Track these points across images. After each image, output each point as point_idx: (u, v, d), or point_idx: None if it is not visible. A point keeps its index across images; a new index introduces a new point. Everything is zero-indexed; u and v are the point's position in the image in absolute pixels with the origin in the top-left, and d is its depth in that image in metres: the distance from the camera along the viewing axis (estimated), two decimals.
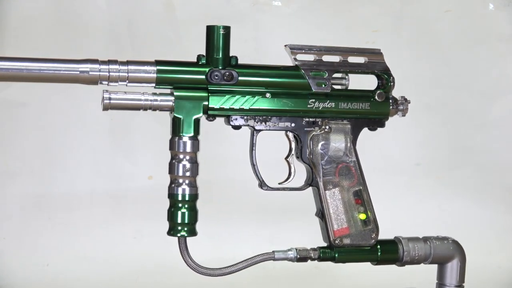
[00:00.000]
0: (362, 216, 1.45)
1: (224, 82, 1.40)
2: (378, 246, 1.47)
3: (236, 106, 1.40)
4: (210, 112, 1.40)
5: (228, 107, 1.40)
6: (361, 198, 1.45)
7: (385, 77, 1.48)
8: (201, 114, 1.38)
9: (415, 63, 2.71)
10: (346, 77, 1.47)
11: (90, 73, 1.34)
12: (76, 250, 2.65)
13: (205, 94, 1.39)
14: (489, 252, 2.64)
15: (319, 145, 1.44)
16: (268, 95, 1.41)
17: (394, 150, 2.74)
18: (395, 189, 2.72)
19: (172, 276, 2.57)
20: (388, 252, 1.47)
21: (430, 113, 2.74)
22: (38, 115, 2.71)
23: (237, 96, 1.40)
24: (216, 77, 1.39)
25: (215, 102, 1.40)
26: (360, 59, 1.46)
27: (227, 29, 1.39)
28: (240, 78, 1.40)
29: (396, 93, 2.90)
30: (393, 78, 1.48)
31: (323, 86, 1.41)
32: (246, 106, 1.41)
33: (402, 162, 2.74)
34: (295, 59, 1.42)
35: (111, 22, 2.70)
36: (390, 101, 1.49)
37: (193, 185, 1.39)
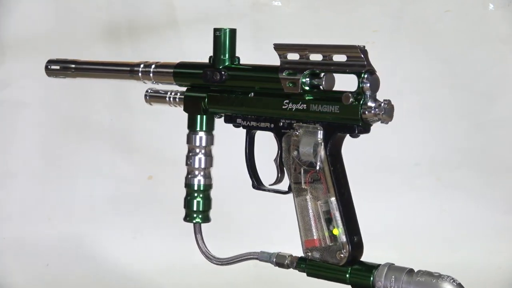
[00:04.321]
0: (334, 231, 1.32)
1: (216, 82, 1.45)
2: (349, 267, 1.32)
3: (223, 105, 1.46)
4: (210, 110, 1.48)
5: (217, 106, 1.47)
6: (330, 212, 1.33)
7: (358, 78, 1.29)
8: (202, 112, 1.48)
9: (415, 63, 2.71)
10: (322, 77, 1.33)
11: (133, 74, 1.58)
12: (76, 250, 2.65)
13: (204, 94, 1.48)
14: (489, 252, 2.64)
15: (291, 148, 1.37)
16: (251, 94, 1.42)
17: (394, 150, 2.74)
18: (395, 189, 2.72)
19: (172, 276, 2.57)
20: (358, 277, 1.31)
21: (430, 113, 2.74)
22: (38, 115, 2.72)
23: (226, 95, 1.45)
24: (205, 77, 1.46)
25: (209, 100, 1.47)
26: (341, 57, 1.31)
27: (221, 31, 1.45)
28: (229, 78, 1.44)
29: (395, 93, 2.89)
30: (368, 78, 1.27)
31: (293, 86, 1.34)
32: (231, 105, 1.45)
33: (401, 162, 2.74)
34: (280, 56, 1.38)
35: (111, 22, 2.70)
36: (363, 104, 1.27)
37: (207, 176, 1.51)
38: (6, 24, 2.66)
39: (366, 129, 1.31)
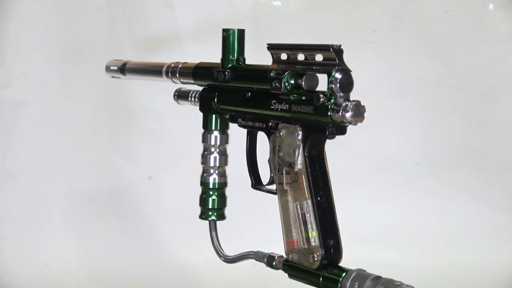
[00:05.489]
0: (309, 234, 1.30)
1: (221, 82, 1.46)
2: (323, 272, 1.30)
3: (227, 105, 1.47)
4: (219, 109, 1.49)
5: (223, 105, 1.48)
6: (305, 214, 1.31)
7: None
8: (213, 111, 1.51)
9: (415, 63, 2.71)
10: (302, 77, 1.31)
11: (164, 74, 1.62)
12: (76, 250, 2.65)
13: (214, 93, 1.50)
14: (489, 252, 2.64)
15: (276, 149, 1.36)
16: (248, 94, 1.42)
17: (394, 150, 2.74)
18: (395, 189, 2.72)
19: (172, 276, 2.57)
20: (328, 282, 1.29)
21: (430, 113, 2.74)
22: (38, 115, 2.71)
23: (229, 95, 1.46)
24: (212, 77, 1.47)
25: (217, 100, 1.49)
26: (318, 57, 1.30)
27: (228, 31, 1.46)
28: (232, 78, 1.45)
29: (395, 93, 2.89)
30: (338, 78, 1.24)
31: (278, 86, 1.32)
32: (230, 105, 1.46)
33: (402, 162, 2.74)
34: (272, 57, 1.38)
35: (111, 22, 2.70)
36: (332, 104, 1.24)
37: (222, 175, 1.54)
38: (6, 24, 2.66)
39: (339, 130, 1.27)
